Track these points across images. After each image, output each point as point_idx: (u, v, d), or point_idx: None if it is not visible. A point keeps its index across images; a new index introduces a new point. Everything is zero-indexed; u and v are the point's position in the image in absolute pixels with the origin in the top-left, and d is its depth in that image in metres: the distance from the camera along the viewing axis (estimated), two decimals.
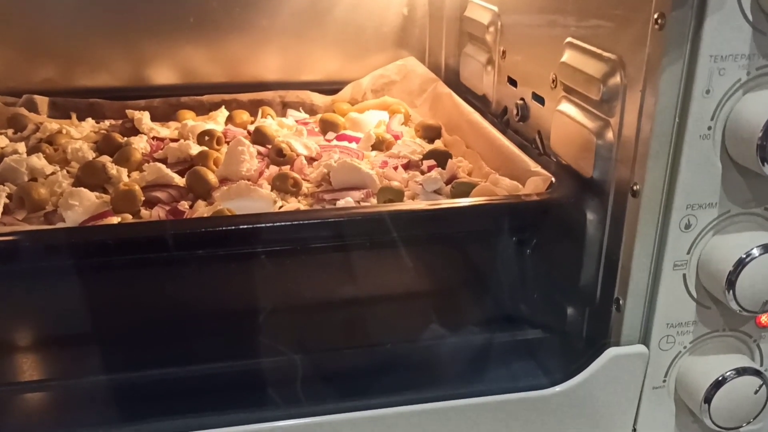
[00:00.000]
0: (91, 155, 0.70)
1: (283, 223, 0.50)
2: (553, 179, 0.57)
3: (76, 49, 0.85)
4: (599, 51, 0.52)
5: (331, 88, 0.91)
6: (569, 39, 0.57)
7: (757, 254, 0.45)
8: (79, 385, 0.51)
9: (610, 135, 0.51)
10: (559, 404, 0.50)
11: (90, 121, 0.82)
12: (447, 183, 0.65)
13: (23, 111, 0.81)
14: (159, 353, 0.52)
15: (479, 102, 0.80)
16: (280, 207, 0.61)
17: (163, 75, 0.89)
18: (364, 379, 0.52)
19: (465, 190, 0.61)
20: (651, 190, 0.46)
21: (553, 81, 0.60)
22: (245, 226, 0.49)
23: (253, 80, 0.90)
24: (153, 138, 0.77)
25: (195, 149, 0.71)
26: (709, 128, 0.45)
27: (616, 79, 0.49)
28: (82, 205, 0.58)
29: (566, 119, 0.57)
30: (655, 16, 0.44)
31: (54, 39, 0.84)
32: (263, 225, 0.48)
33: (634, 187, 0.47)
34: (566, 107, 0.57)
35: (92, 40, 0.85)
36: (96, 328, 0.51)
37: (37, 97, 0.83)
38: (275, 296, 0.53)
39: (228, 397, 0.49)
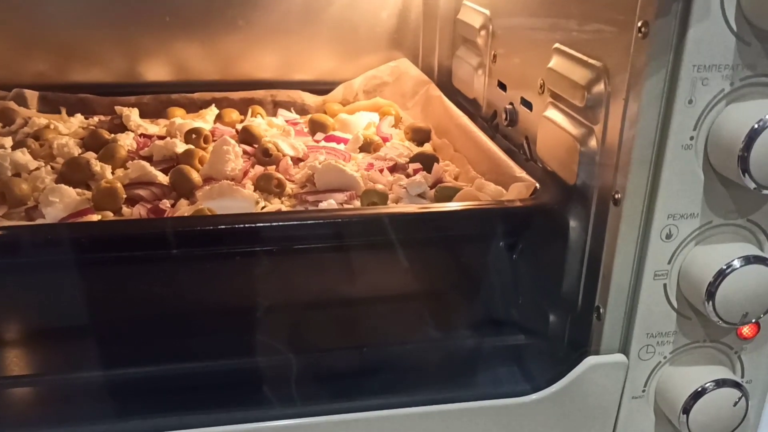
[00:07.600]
0: (77, 151, 0.70)
1: (259, 224, 0.50)
2: (537, 185, 0.56)
3: (69, 43, 0.85)
4: (585, 57, 0.51)
5: (323, 87, 0.90)
6: (557, 45, 0.56)
7: (737, 266, 0.45)
8: (71, 382, 0.50)
9: (593, 142, 0.50)
10: (537, 412, 0.50)
11: (79, 116, 0.82)
12: (432, 187, 0.65)
13: (12, 105, 0.80)
14: (145, 351, 0.52)
15: (470, 105, 0.80)
16: (263, 207, 0.61)
17: (155, 71, 0.88)
18: (343, 382, 0.51)
19: (448, 194, 0.61)
20: (632, 199, 0.46)
21: (541, 87, 0.60)
22: (222, 227, 0.48)
23: (246, 78, 0.89)
24: (140, 135, 0.76)
25: (181, 147, 0.70)
26: (692, 138, 0.44)
27: (600, 86, 0.49)
28: (62, 202, 0.58)
29: (552, 125, 0.57)
30: (639, 24, 0.43)
31: (47, 33, 0.84)
32: (239, 225, 0.48)
33: (616, 196, 0.47)
34: (552, 113, 0.57)
35: (85, 35, 0.85)
36: (82, 326, 0.51)
37: (27, 91, 0.83)
38: (257, 296, 0.53)
39: (215, 395, 0.49)
